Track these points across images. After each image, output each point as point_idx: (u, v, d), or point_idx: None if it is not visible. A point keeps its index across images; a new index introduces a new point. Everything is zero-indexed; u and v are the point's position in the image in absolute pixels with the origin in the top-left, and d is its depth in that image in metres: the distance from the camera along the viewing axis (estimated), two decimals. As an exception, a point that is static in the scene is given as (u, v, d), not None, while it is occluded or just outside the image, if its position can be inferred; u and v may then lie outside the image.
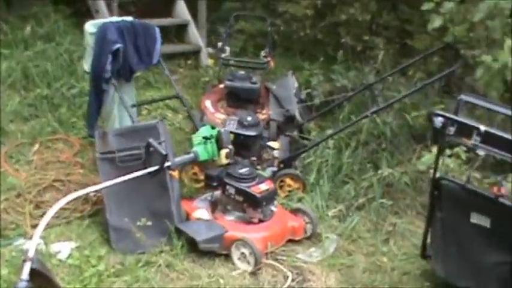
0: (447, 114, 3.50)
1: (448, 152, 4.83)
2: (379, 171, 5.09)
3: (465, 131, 3.49)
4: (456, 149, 4.80)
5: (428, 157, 4.78)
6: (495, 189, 3.73)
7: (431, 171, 4.76)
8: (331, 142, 5.31)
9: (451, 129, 3.53)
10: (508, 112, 3.60)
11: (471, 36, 4.73)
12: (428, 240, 4.18)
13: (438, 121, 3.51)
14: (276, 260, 4.31)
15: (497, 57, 4.35)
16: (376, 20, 6.70)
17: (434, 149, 4.86)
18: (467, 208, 3.78)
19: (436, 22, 4.76)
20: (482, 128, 3.35)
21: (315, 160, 5.20)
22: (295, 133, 5.59)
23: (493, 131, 3.38)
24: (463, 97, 3.67)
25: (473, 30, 4.66)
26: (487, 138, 3.40)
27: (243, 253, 4.17)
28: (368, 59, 6.25)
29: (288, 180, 5.06)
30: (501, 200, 3.63)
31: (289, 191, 5.04)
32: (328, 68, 6.37)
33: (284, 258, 4.35)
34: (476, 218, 3.77)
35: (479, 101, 3.74)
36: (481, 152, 4.04)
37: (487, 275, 3.81)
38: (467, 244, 3.86)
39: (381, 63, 5.96)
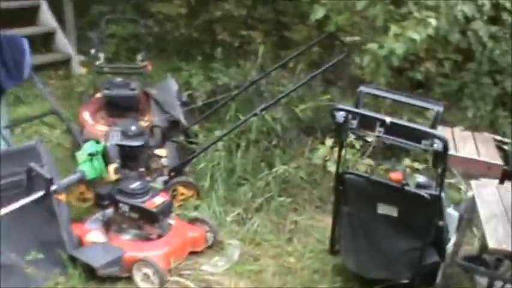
0: (349, 108, 3.41)
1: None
2: (274, 169, 4.97)
3: (368, 123, 3.42)
4: (350, 139, 4.77)
5: (322, 150, 4.72)
6: (391, 175, 3.73)
7: (328, 164, 4.74)
8: (220, 144, 5.10)
9: (354, 123, 3.45)
10: (409, 100, 3.58)
11: (354, 25, 4.70)
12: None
13: (340, 115, 3.42)
14: (181, 275, 4.05)
15: (383, 44, 4.34)
16: (252, 14, 6.57)
17: (328, 141, 4.83)
18: (373, 200, 3.73)
19: (319, 13, 4.69)
20: (388, 119, 3.29)
21: (206, 165, 4.98)
22: (182, 138, 5.34)
23: (398, 121, 3.33)
24: (363, 88, 3.60)
25: (356, 19, 4.63)
26: (392, 129, 3.34)
27: (145, 273, 3.87)
28: (248, 55, 6.10)
29: (181, 189, 4.80)
30: (407, 188, 3.60)
31: (183, 200, 4.79)
32: (208, 67, 6.16)
33: (188, 272, 4.10)
34: (383, 209, 3.73)
35: (379, 91, 3.68)
36: (369, 139, 4.03)
37: (398, 263, 3.80)
38: (377, 235, 3.82)
39: (262, 58, 5.82)
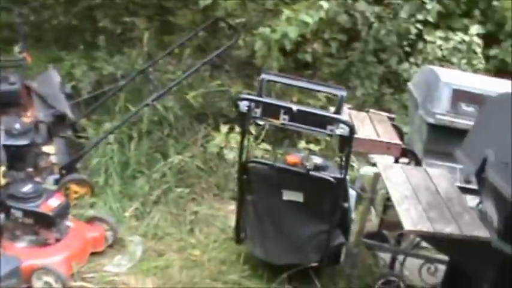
0: (253, 97, 3.38)
1: (238, 129, 4.76)
2: (169, 160, 4.85)
3: (272, 110, 3.39)
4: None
5: (218, 138, 4.66)
6: (288, 158, 3.75)
7: (225, 151, 4.70)
8: (111, 137, 4.90)
9: (257, 111, 3.41)
10: (312, 86, 3.58)
11: (243, 8, 4.64)
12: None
13: (244, 105, 3.37)
14: (84, 279, 3.85)
15: (275, 28, 4.32)
16: (133, -1, 6.33)
17: (223, 128, 4.78)
18: (278, 187, 3.73)
19: (208, -1, 4.59)
20: (295, 107, 3.26)
21: (99, 160, 4.76)
22: (69, 133, 5.06)
23: (304, 108, 3.32)
24: (264, 76, 3.56)
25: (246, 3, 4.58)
26: (297, 116, 3.32)
27: (46, 282, 3.63)
28: (132, 42, 5.88)
29: (74, 187, 4.56)
30: (312, 173, 3.62)
31: (77, 198, 4.56)
32: (90, 56, 5.87)
33: (92, 275, 3.90)
34: (288, 195, 3.74)
35: (281, 78, 3.66)
36: (261, 122, 4.02)
37: (306, 247, 3.84)
38: (283, 221, 3.83)
39: (147, 45, 5.64)
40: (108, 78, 5.60)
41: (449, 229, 2.71)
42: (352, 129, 3.28)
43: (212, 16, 5.30)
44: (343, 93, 3.55)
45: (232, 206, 4.86)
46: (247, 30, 4.79)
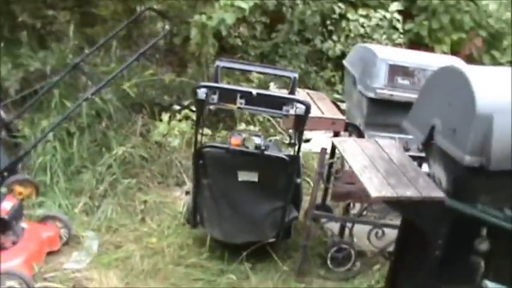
0: (212, 84, 3.48)
1: (179, 116, 4.85)
2: (113, 152, 4.86)
3: (228, 95, 3.51)
4: (185, 112, 4.84)
5: (162, 127, 4.73)
6: (231, 140, 3.90)
7: (170, 139, 4.77)
8: (51, 134, 4.83)
9: (214, 97, 3.52)
10: (265, 70, 3.72)
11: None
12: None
13: (202, 92, 3.46)
14: (46, 279, 3.84)
15: (212, 15, 4.41)
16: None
17: (164, 117, 4.85)
18: (233, 168, 3.88)
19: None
20: (254, 91, 3.40)
21: (42, 158, 4.70)
22: (3, 134, 4.94)
23: (263, 91, 3.47)
24: (220, 63, 3.67)
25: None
26: (253, 99, 3.47)
27: (10, 287, 3.60)
28: (56, 36, 5.77)
29: (18, 188, 4.48)
30: (266, 153, 3.78)
31: (22, 199, 4.48)
32: (13, 53, 5.69)
33: (53, 274, 3.89)
34: (243, 176, 3.89)
35: (235, 64, 3.78)
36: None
37: (263, 224, 4.03)
38: (240, 202, 4.00)
39: (73, 38, 5.56)
40: (36, 75, 5.47)
41: (409, 192, 2.94)
42: (308, 108, 3.46)
43: (134, 6, 5.31)
44: (295, 75, 3.72)
45: (178, 192, 4.98)
46: (179, 18, 4.84)
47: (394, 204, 3.06)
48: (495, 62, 6.83)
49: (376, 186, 2.94)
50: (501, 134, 2.78)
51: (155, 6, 5.11)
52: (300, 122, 3.57)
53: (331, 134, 4.51)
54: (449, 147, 2.94)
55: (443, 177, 3.13)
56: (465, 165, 2.80)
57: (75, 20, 6.05)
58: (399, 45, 6.17)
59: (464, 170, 2.84)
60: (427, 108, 3.20)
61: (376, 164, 3.16)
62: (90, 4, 6.05)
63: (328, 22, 6.14)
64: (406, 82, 4.13)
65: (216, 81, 3.63)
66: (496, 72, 3.45)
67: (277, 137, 5.32)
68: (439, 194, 3.00)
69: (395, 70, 4.15)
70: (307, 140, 5.42)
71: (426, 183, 3.07)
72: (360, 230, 4.12)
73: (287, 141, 5.46)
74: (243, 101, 3.48)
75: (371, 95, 4.14)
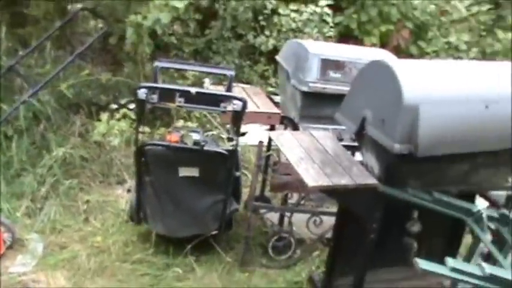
0: (152, 85, 3.56)
1: (117, 115, 4.90)
2: (53, 153, 4.87)
3: (168, 95, 3.60)
4: (123, 111, 4.89)
5: (102, 126, 4.76)
6: (169, 137, 4.00)
7: (110, 138, 4.82)
8: (-14, 138, 4.82)
9: (154, 97, 3.60)
10: (204, 69, 3.81)
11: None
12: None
13: (142, 92, 3.54)
14: (-7, 285, 3.87)
15: (147, 15, 4.48)
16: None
17: (103, 117, 4.88)
18: (174, 165, 3.97)
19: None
20: (193, 90, 3.50)
21: (-19, 163, 4.68)
22: None
23: (202, 90, 3.57)
24: (159, 64, 3.74)
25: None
26: (193, 97, 3.57)
27: (-43, 292, 3.62)
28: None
29: (-46, 195, 4.47)
30: (205, 148, 3.90)
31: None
32: None
33: (0, 279, 3.92)
34: (184, 171, 3.99)
35: (174, 64, 3.86)
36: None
37: (205, 218, 4.14)
38: (182, 197, 4.09)
39: (5, 39, 5.51)
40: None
41: (344, 181, 3.10)
42: (245, 105, 3.59)
43: (66, 5, 5.30)
44: (232, 72, 3.84)
45: (120, 191, 5.04)
46: (114, 17, 4.87)
47: (330, 192, 3.21)
48: (422, 52, 7.12)
49: (312, 176, 3.08)
50: (427, 122, 2.94)
51: (89, 6, 5.10)
52: (237, 118, 3.70)
53: (267, 126, 4.65)
54: (380, 137, 3.09)
55: (376, 165, 3.29)
56: (395, 153, 2.95)
57: (6, 21, 5.99)
58: (330, 38, 6.37)
59: (394, 158, 3.00)
60: (358, 100, 3.36)
61: (312, 155, 3.30)
62: (21, 4, 5.98)
63: (260, 17, 6.30)
64: (337, 75, 4.31)
65: (155, 81, 3.71)
66: (422, 65, 3.64)
67: (214, 132, 5.42)
68: (372, 181, 3.16)
69: (327, 64, 4.32)
70: (244, 134, 5.54)
71: (360, 172, 3.23)
72: (299, 219, 4.29)
73: (224, 136, 5.59)
74: (182, 99, 3.58)
75: (304, 88, 4.30)
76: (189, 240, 4.15)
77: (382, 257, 3.36)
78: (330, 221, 3.92)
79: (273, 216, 4.57)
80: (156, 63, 3.78)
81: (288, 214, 4.36)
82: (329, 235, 3.99)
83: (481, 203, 3.49)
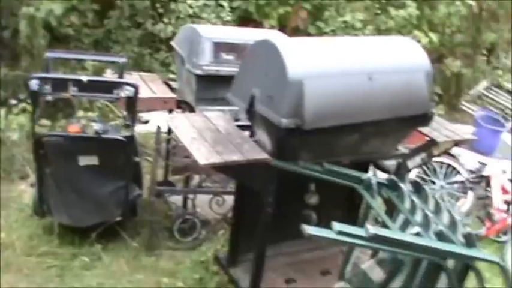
0: (43, 75, 3.55)
1: (16, 110, 4.84)
2: None
3: (61, 85, 3.61)
4: (22, 105, 4.83)
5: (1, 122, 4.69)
6: (69, 128, 4.02)
7: (9, 133, 4.76)
8: None
9: (47, 88, 3.60)
10: (95, 57, 3.82)
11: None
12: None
13: (34, 83, 3.53)
14: None
15: (39, 6, 4.43)
16: None
17: (1, 112, 4.81)
18: (73, 155, 3.99)
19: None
20: (85, 78, 3.52)
21: None
22: None
23: (93, 78, 3.58)
24: (50, 54, 3.73)
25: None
26: (85, 86, 3.59)
27: None
28: None
29: None
30: (104, 136, 3.93)
31: None
32: None
33: None
34: (84, 160, 4.01)
35: (65, 54, 3.86)
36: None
37: (108, 205, 4.17)
38: (83, 186, 4.11)
39: None
40: None
41: (235, 157, 3.18)
42: (137, 89, 3.64)
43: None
44: (124, 59, 3.88)
45: (23, 186, 4.98)
46: (7, 10, 4.79)
47: (224, 169, 3.29)
48: (320, 32, 7.29)
49: (204, 155, 3.16)
50: (312, 96, 3.07)
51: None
52: (131, 104, 3.75)
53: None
54: (268, 113, 3.20)
55: (267, 141, 3.40)
56: (283, 128, 3.08)
57: None
58: (228, 22, 6.45)
59: (283, 132, 3.11)
60: (247, 79, 3.46)
61: (204, 135, 3.38)
62: None
63: (158, 5, 6.31)
64: (230, 57, 4.40)
65: (47, 72, 3.70)
66: (306, 42, 3.78)
67: (118, 122, 5.43)
68: (263, 155, 3.26)
69: (220, 47, 4.40)
70: (146, 122, 5.57)
71: (251, 148, 3.34)
72: (203, 201, 4.40)
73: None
74: (75, 88, 3.60)
75: (198, 72, 4.36)
76: (94, 228, 4.16)
77: (284, 231, 3.48)
78: (232, 200, 3.98)
79: (178, 200, 4.64)
80: (47, 54, 3.77)
81: (191, 196, 4.45)
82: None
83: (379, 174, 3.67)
